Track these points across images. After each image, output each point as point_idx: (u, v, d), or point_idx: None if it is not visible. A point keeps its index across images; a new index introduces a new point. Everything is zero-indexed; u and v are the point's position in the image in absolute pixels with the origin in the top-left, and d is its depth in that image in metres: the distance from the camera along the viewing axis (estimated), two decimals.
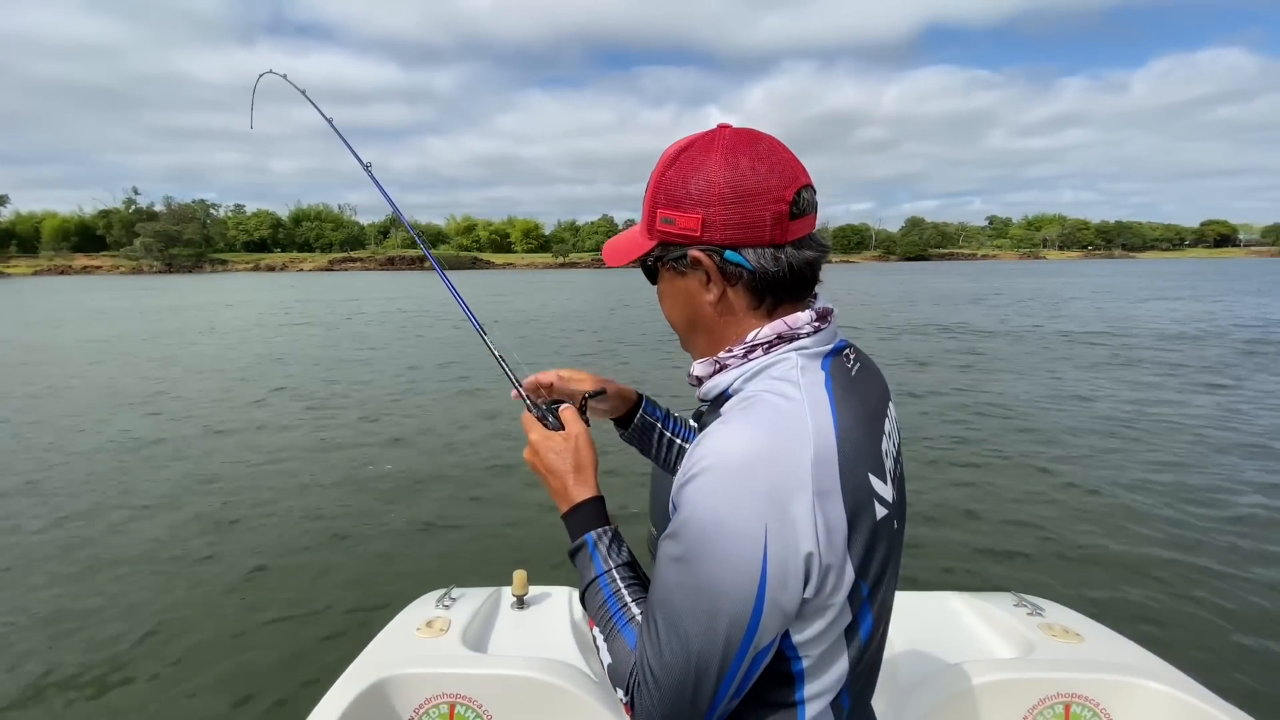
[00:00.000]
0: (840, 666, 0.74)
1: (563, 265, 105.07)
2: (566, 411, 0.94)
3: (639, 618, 0.76)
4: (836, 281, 48.99)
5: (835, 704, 0.75)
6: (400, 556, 4.05)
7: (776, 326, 0.76)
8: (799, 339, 0.76)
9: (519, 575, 1.76)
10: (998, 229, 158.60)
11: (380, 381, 10.09)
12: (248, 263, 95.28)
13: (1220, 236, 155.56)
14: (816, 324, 0.78)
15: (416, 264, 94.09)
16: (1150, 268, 72.09)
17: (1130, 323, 17.21)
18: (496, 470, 5.71)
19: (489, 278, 63.92)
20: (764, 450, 0.66)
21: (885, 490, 0.73)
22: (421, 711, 1.43)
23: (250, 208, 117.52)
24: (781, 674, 0.73)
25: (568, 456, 0.88)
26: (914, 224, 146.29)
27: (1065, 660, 1.53)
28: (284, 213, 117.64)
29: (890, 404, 0.84)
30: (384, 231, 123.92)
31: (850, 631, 0.72)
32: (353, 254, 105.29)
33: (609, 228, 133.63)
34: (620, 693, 0.74)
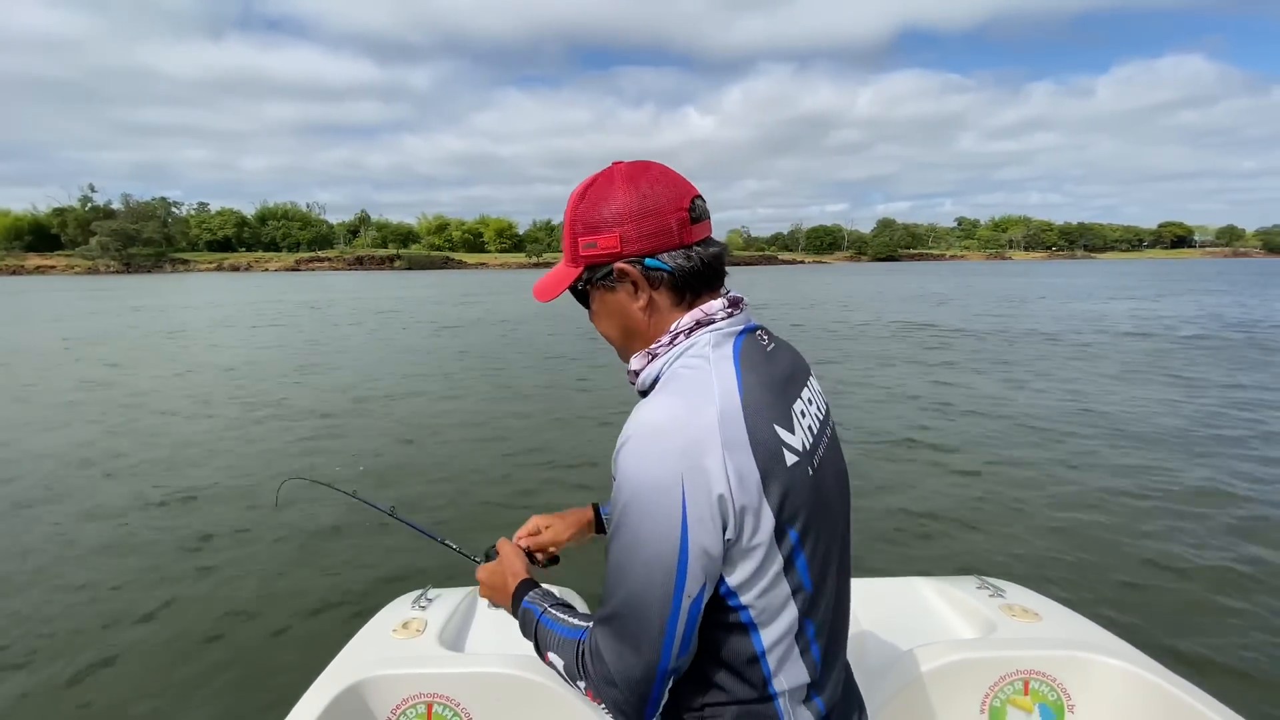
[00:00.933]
0: (789, 614, 0.81)
1: (536, 265, 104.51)
2: (500, 545, 1.13)
3: (578, 622, 0.87)
4: (809, 280, 50.24)
5: (805, 656, 0.83)
6: (373, 559, 4.01)
7: (694, 315, 0.87)
8: (714, 322, 0.87)
9: None
10: (966, 230, 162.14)
11: (348, 381, 9.88)
12: (211, 262, 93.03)
13: (1177, 238, 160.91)
14: (729, 310, 0.88)
15: (385, 264, 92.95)
16: (1108, 268, 74.11)
17: (1087, 319, 17.69)
18: (473, 470, 5.64)
19: (460, 277, 63.20)
20: (675, 412, 0.77)
21: (793, 439, 0.81)
22: (399, 712, 1.42)
23: (215, 206, 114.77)
24: (731, 625, 0.80)
25: (503, 571, 1.06)
26: (885, 225, 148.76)
27: (1024, 639, 1.57)
28: (250, 211, 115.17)
29: (811, 378, 0.95)
30: (353, 230, 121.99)
31: (789, 575, 0.80)
32: (320, 253, 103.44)
33: None
34: (580, 683, 0.83)
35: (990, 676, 1.50)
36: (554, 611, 0.92)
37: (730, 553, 0.77)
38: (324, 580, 3.76)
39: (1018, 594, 1.85)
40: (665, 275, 0.86)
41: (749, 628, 0.80)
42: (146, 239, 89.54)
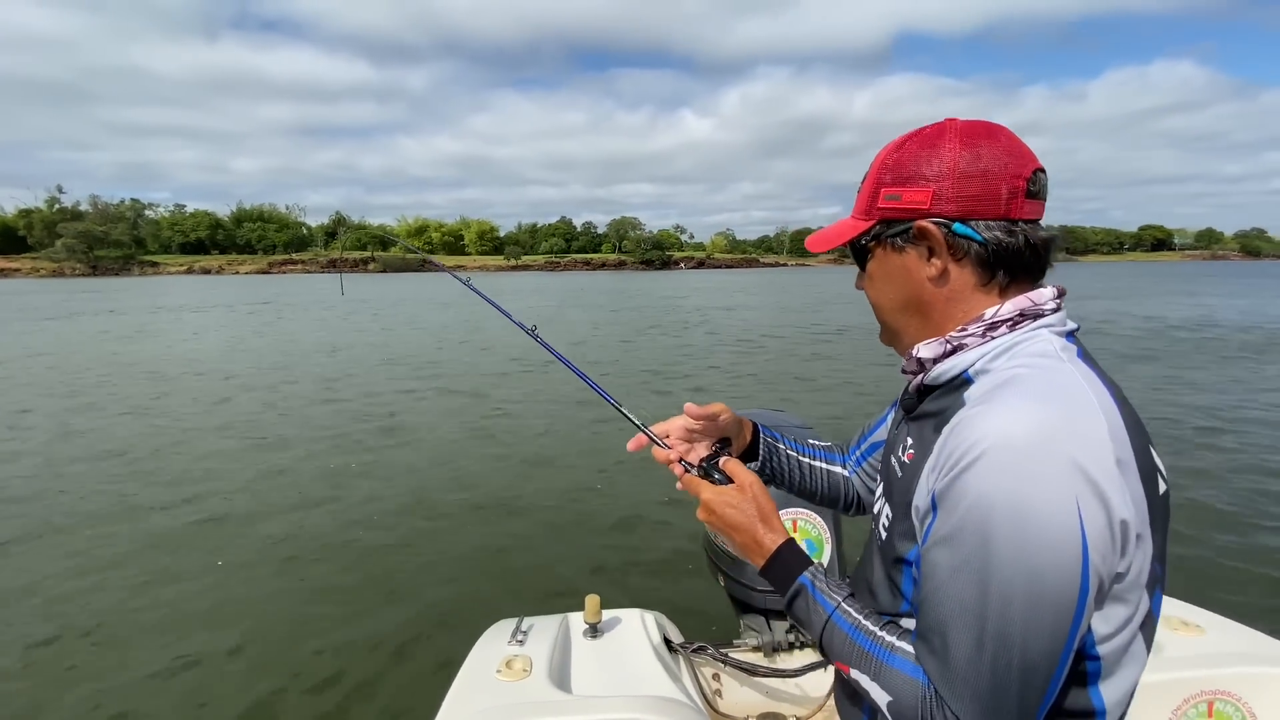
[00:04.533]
0: (1134, 668, 0.68)
1: (514, 268, 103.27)
2: (730, 464, 0.90)
3: (900, 645, 0.71)
4: (795, 279, 49.23)
5: (1129, 688, 0.69)
6: (449, 585, 3.78)
7: (1019, 303, 0.72)
8: (1044, 316, 0.72)
9: (592, 601, 1.64)
10: None
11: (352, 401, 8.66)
12: (181, 265, 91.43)
13: (1157, 240, 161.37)
14: (1058, 301, 0.74)
15: (360, 266, 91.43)
16: (1089, 271, 74.09)
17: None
18: (535, 493, 5.16)
19: (427, 282, 61.94)
20: (1058, 422, 0.62)
21: (1161, 464, 0.70)
22: None
23: (192, 208, 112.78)
24: (1079, 675, 0.66)
25: (750, 508, 0.84)
26: None
27: (1199, 656, 1.50)
28: (227, 213, 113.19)
29: None
30: (331, 233, 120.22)
31: (1146, 622, 0.67)
32: (294, 256, 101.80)
33: (567, 230, 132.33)
34: None
35: (1173, 700, 1.43)
36: (856, 615, 0.75)
37: (1112, 590, 0.64)
38: (401, 608, 3.51)
39: (1170, 605, 1.71)
40: (975, 246, 0.72)
41: (1090, 679, 0.67)
42: (114, 241, 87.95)
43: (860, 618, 0.75)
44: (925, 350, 0.76)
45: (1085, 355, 0.72)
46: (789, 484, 1.07)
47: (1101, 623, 0.64)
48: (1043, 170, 0.73)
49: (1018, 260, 0.72)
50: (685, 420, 0.97)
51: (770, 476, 1.06)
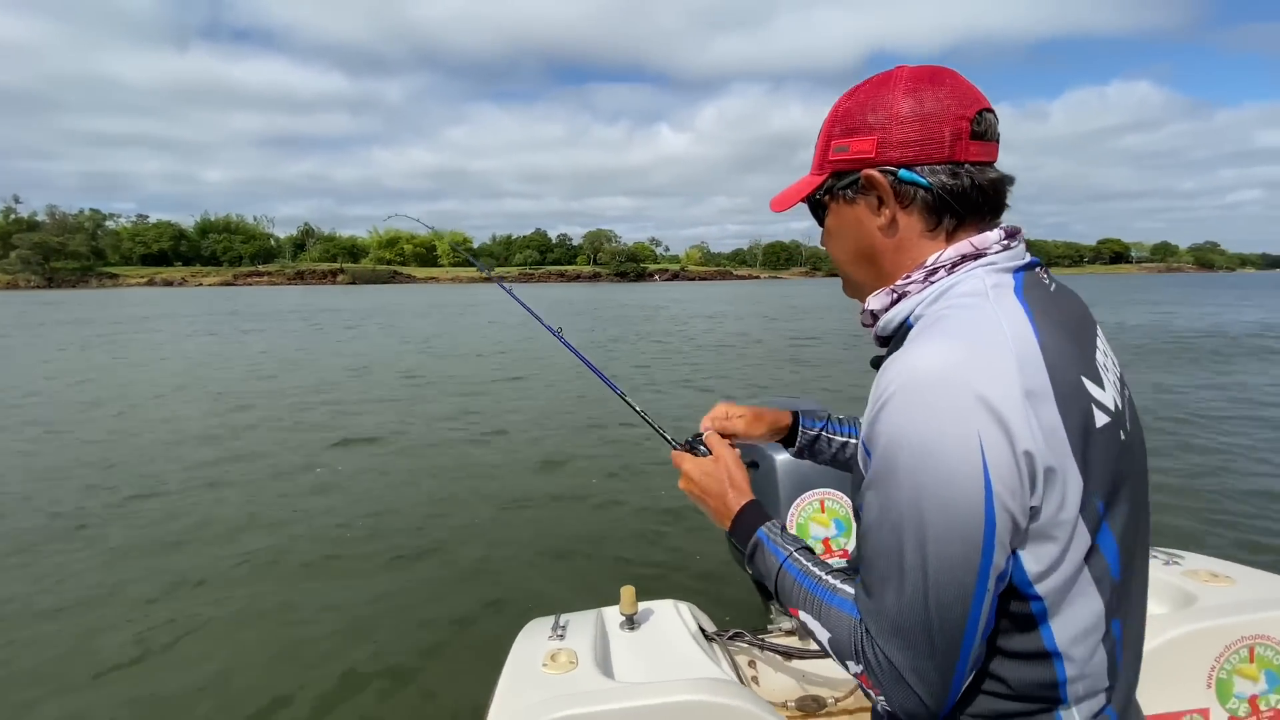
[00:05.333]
0: (1091, 607, 0.66)
1: (487, 280, 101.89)
2: (711, 438, 0.98)
3: (841, 586, 0.73)
4: (768, 291, 49.84)
5: (1109, 662, 0.68)
6: (478, 585, 3.75)
7: (961, 247, 0.72)
8: (985, 256, 0.71)
9: (627, 592, 1.63)
10: None
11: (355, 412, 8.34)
12: (142, 277, 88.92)
13: (1115, 254, 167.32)
14: (1006, 243, 0.72)
15: (328, 278, 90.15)
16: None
17: None
18: (553, 493, 5.15)
19: (387, 293, 61.13)
20: (959, 357, 0.62)
21: (1105, 396, 0.67)
22: None
23: (155, 218, 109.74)
24: (1021, 618, 0.66)
25: (721, 476, 0.91)
26: None
27: (1235, 604, 1.51)
28: (190, 223, 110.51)
29: (1098, 327, 0.78)
30: (299, 245, 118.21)
31: (1092, 560, 0.65)
32: (260, 268, 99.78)
33: (542, 241, 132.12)
34: (851, 664, 0.69)
35: (1214, 648, 1.44)
36: (800, 558, 0.78)
37: (1034, 526, 0.63)
38: (433, 605, 3.51)
39: (1196, 560, 1.75)
40: (920, 192, 0.71)
41: (1039, 619, 0.66)
42: (71, 252, 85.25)
43: (809, 564, 0.77)
44: (874, 301, 0.77)
45: (1026, 287, 0.70)
46: (829, 460, 1.15)
47: (1032, 561, 0.64)
48: (990, 110, 0.72)
49: (965, 203, 0.71)
50: (712, 420, 1.07)
51: (808, 457, 1.15)
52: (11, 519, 4.72)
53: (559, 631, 1.58)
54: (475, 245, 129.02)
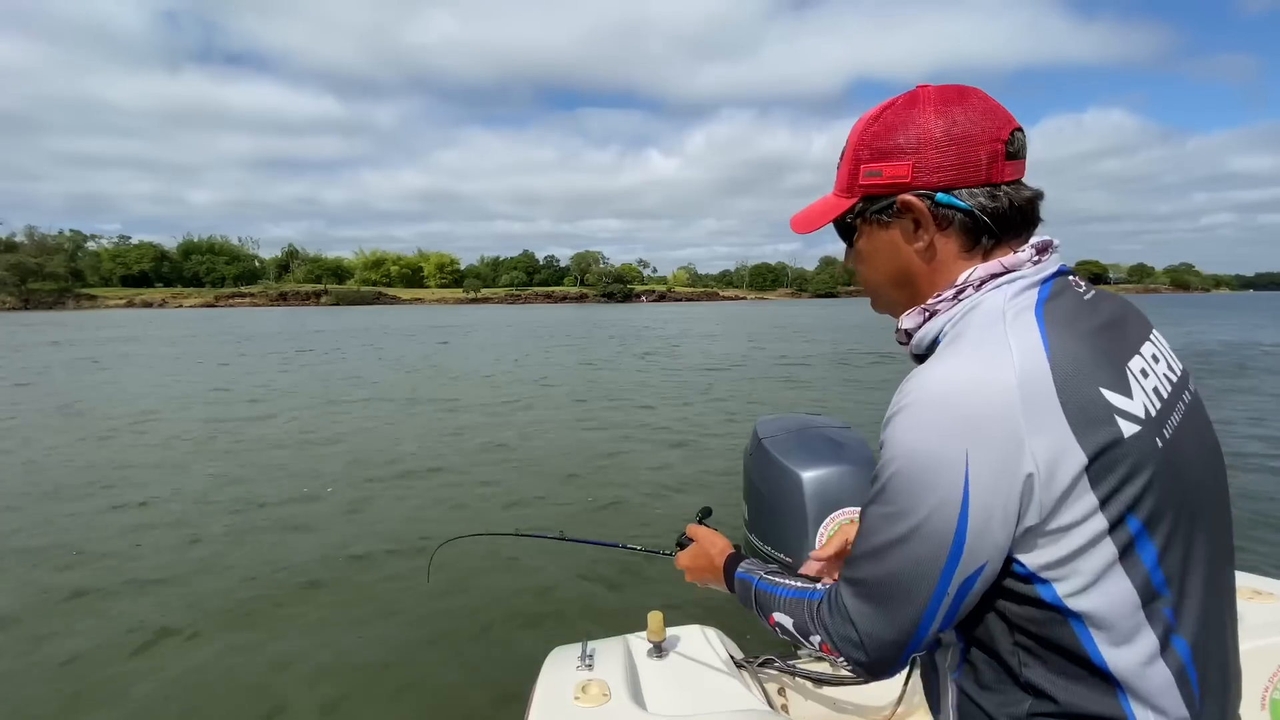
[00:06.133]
0: (1134, 622, 0.65)
1: (473, 300, 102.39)
2: (690, 530, 1.16)
3: (797, 584, 0.84)
4: (755, 312, 50.21)
5: (1181, 685, 0.66)
6: (491, 613, 3.58)
7: (991, 266, 0.73)
8: (1014, 273, 0.72)
9: (655, 619, 1.58)
10: None
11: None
12: (121, 298, 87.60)
13: (1093, 275, 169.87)
14: (1036, 258, 0.73)
15: (312, 299, 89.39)
16: None
17: None
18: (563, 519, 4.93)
19: (367, 314, 60.78)
20: (960, 378, 0.65)
21: (1132, 404, 0.66)
22: None
23: (138, 239, 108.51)
24: (1063, 634, 0.66)
25: (704, 551, 1.07)
26: (826, 263, 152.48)
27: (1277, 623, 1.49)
28: (174, 244, 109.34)
29: (1155, 334, 0.78)
30: (284, 266, 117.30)
31: (1131, 573, 0.65)
32: (243, 289, 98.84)
33: (529, 263, 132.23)
34: (813, 638, 0.77)
35: (1268, 668, 1.42)
36: (770, 576, 0.89)
37: (1045, 541, 0.65)
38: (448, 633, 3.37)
39: (1239, 578, 1.67)
40: (959, 215, 0.73)
41: (1080, 638, 0.66)
42: (49, 273, 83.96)
43: (774, 578, 0.88)
44: (907, 321, 0.79)
45: (1051, 298, 0.71)
46: None
47: (1051, 573, 0.65)
48: (1020, 129, 0.73)
49: (1004, 223, 0.73)
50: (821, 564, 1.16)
51: None
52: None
53: (587, 660, 1.52)
54: (462, 267, 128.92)
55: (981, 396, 0.63)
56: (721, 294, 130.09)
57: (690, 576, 1.11)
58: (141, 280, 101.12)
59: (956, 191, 0.72)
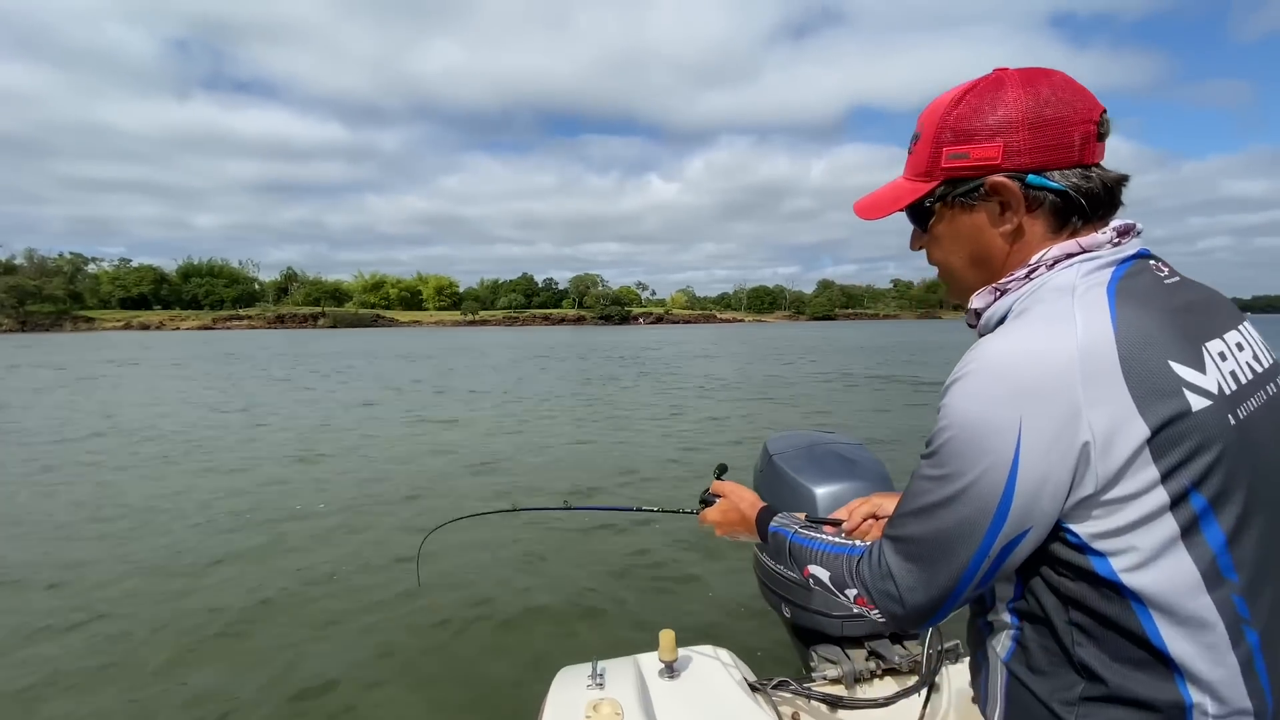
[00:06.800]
0: (1197, 605, 0.63)
1: (471, 323, 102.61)
2: (717, 486, 1.17)
3: (836, 540, 0.86)
4: (755, 333, 50.41)
5: (1248, 676, 0.64)
6: (496, 637, 3.51)
7: (1066, 246, 0.72)
8: (1089, 253, 0.72)
9: (666, 637, 1.54)
10: (900, 291, 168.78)
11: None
12: (119, 320, 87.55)
13: None
14: (1117, 240, 0.73)
15: (309, 322, 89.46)
16: None
17: None
18: (569, 540, 4.79)
19: (360, 337, 60.78)
20: (1021, 348, 0.65)
21: (1204, 380, 0.65)
22: None
23: (138, 262, 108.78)
24: (1121, 610, 0.66)
25: (735, 505, 1.10)
26: (824, 286, 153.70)
27: None
28: (173, 267, 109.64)
29: (1246, 324, 0.77)
30: (282, 289, 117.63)
31: (1195, 553, 0.63)
32: (240, 311, 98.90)
33: (528, 285, 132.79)
34: (849, 590, 0.80)
35: None
36: (805, 531, 0.92)
37: (1100, 513, 0.64)
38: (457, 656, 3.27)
39: None
40: (1050, 197, 0.72)
41: (1139, 617, 0.65)
42: (48, 295, 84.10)
43: (810, 533, 0.91)
44: (977, 300, 0.79)
45: (1126, 277, 0.70)
46: None
47: (1106, 545, 0.65)
48: (1106, 111, 0.73)
49: (1096, 204, 0.72)
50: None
51: None
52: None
53: (597, 680, 1.49)
54: (461, 289, 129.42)
55: (1040, 365, 0.63)
56: (719, 316, 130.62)
57: (720, 531, 1.13)
58: (140, 303, 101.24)
59: (1048, 173, 0.71)
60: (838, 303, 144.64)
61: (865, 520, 1.12)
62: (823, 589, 0.85)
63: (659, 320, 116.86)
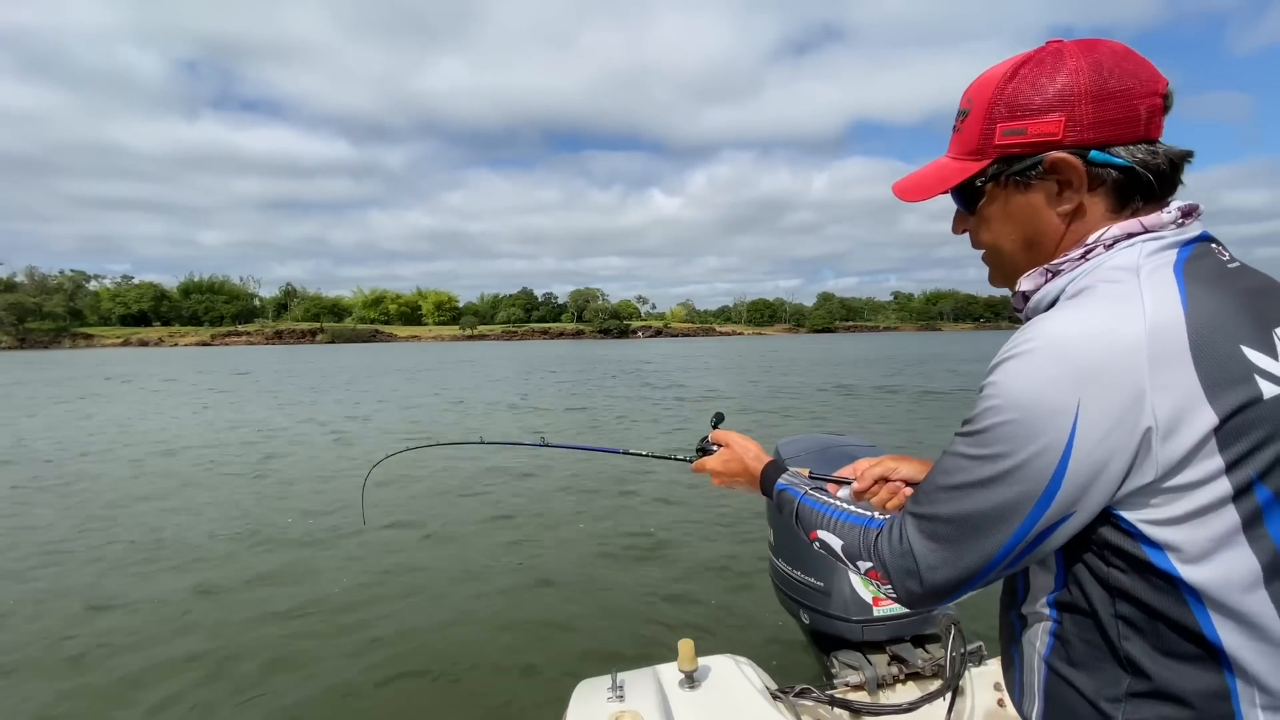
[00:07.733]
0: (1255, 600, 0.61)
1: (469, 337, 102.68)
2: (717, 435, 1.11)
3: (850, 508, 0.83)
4: (753, 346, 50.40)
5: None
6: (511, 650, 3.44)
7: (1127, 225, 0.68)
8: (1151, 233, 0.68)
9: (685, 647, 1.52)
10: (901, 303, 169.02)
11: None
12: (118, 337, 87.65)
13: None
14: (1181, 221, 0.69)
15: (307, 337, 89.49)
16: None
17: None
18: (577, 550, 4.78)
19: (354, 354, 60.75)
20: (1083, 327, 0.62)
21: (1275, 365, 0.62)
22: None
23: (140, 279, 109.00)
24: (1175, 604, 0.63)
25: (737, 456, 1.05)
26: (825, 299, 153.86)
27: None
28: (173, 284, 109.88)
29: None
30: (282, 305, 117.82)
31: (1256, 544, 0.61)
32: (239, 327, 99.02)
33: (528, 300, 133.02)
34: (862, 563, 0.77)
35: None
36: (816, 494, 0.89)
37: (1160, 501, 0.61)
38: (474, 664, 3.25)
39: None
40: (1114, 174, 0.68)
41: (1194, 611, 0.62)
42: (47, 313, 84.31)
43: (821, 496, 0.88)
44: (1026, 282, 0.75)
45: (1191, 259, 0.67)
46: None
47: (1165, 535, 0.62)
48: (1170, 83, 0.69)
49: (1163, 180, 0.69)
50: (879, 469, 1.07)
51: None
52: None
53: (618, 691, 1.48)
54: (461, 304, 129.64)
55: (1104, 345, 0.60)
56: (719, 329, 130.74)
57: (717, 480, 1.09)
58: (140, 319, 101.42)
59: (1112, 149, 0.67)
60: (837, 315, 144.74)
61: (876, 483, 1.06)
62: (830, 555, 0.82)
63: (658, 334, 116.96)
